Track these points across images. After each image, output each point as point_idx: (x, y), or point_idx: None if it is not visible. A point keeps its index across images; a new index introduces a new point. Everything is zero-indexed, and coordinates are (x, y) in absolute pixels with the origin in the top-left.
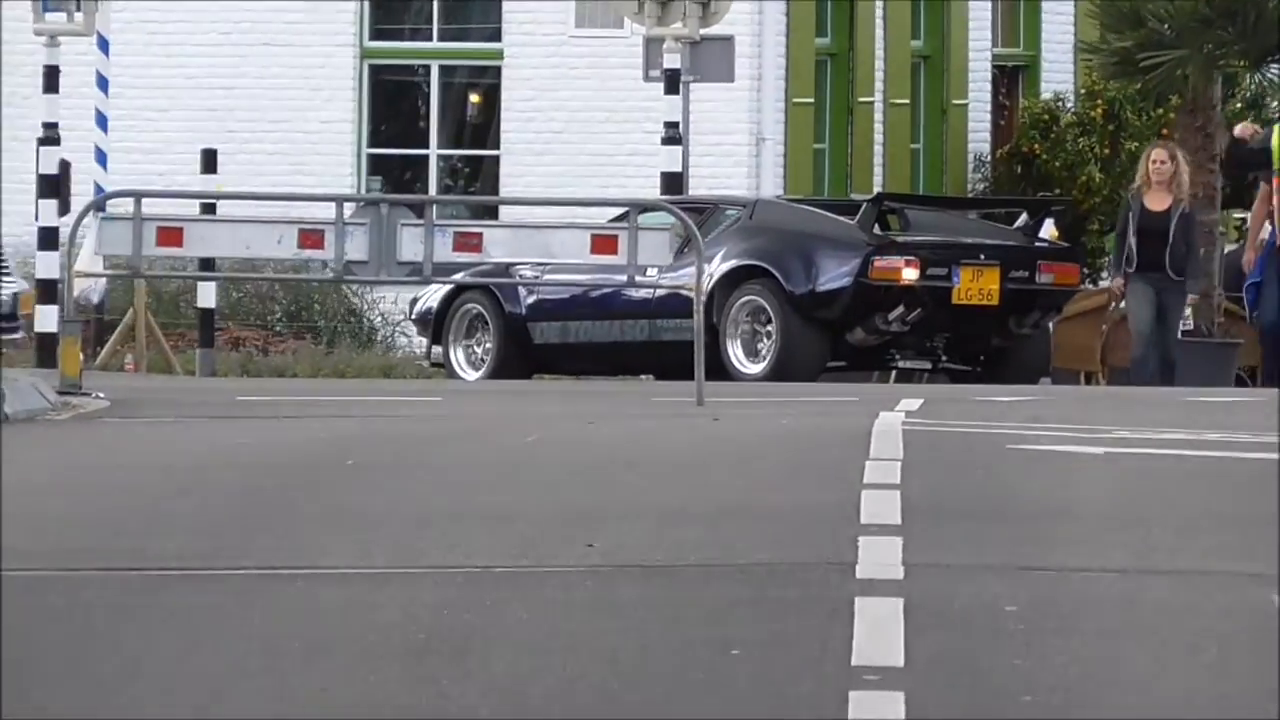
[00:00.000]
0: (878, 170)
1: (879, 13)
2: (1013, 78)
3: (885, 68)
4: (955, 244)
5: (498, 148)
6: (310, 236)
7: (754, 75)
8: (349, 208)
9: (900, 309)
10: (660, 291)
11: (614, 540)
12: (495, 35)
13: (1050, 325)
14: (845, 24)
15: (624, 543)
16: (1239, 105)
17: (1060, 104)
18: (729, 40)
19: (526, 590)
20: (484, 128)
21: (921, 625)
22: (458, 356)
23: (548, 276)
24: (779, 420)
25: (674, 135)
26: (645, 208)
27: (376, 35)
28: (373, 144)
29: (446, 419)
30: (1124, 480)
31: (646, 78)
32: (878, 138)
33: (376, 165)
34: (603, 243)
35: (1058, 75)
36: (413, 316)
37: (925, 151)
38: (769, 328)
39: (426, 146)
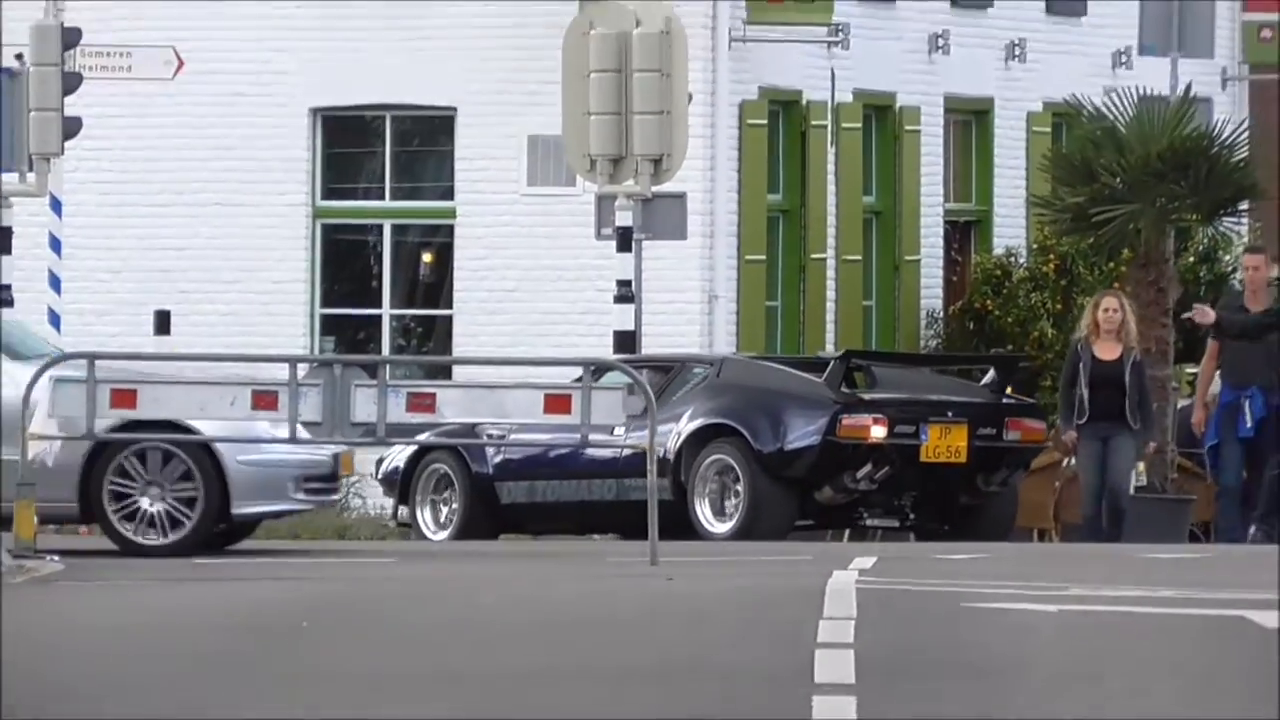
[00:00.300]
0: (830, 327)
1: (830, 169)
2: (965, 233)
3: (837, 224)
4: (923, 401)
5: (450, 307)
6: (264, 398)
7: (706, 233)
8: (302, 369)
9: (869, 467)
10: (627, 450)
11: (569, 698)
12: (448, 194)
13: (1017, 483)
14: (797, 181)
15: (579, 701)
16: (1191, 259)
17: (1013, 259)
18: (681, 198)
19: None
20: (437, 286)
21: None
22: (424, 516)
23: (514, 436)
24: (733, 580)
25: (626, 293)
26: (601, 367)
27: (329, 194)
28: (325, 304)
29: (400, 580)
30: (1078, 636)
31: (599, 236)
32: (830, 294)
33: (329, 325)
34: (556, 402)
35: (1010, 230)
36: (379, 476)
37: (878, 308)
38: (737, 486)
39: (379, 306)
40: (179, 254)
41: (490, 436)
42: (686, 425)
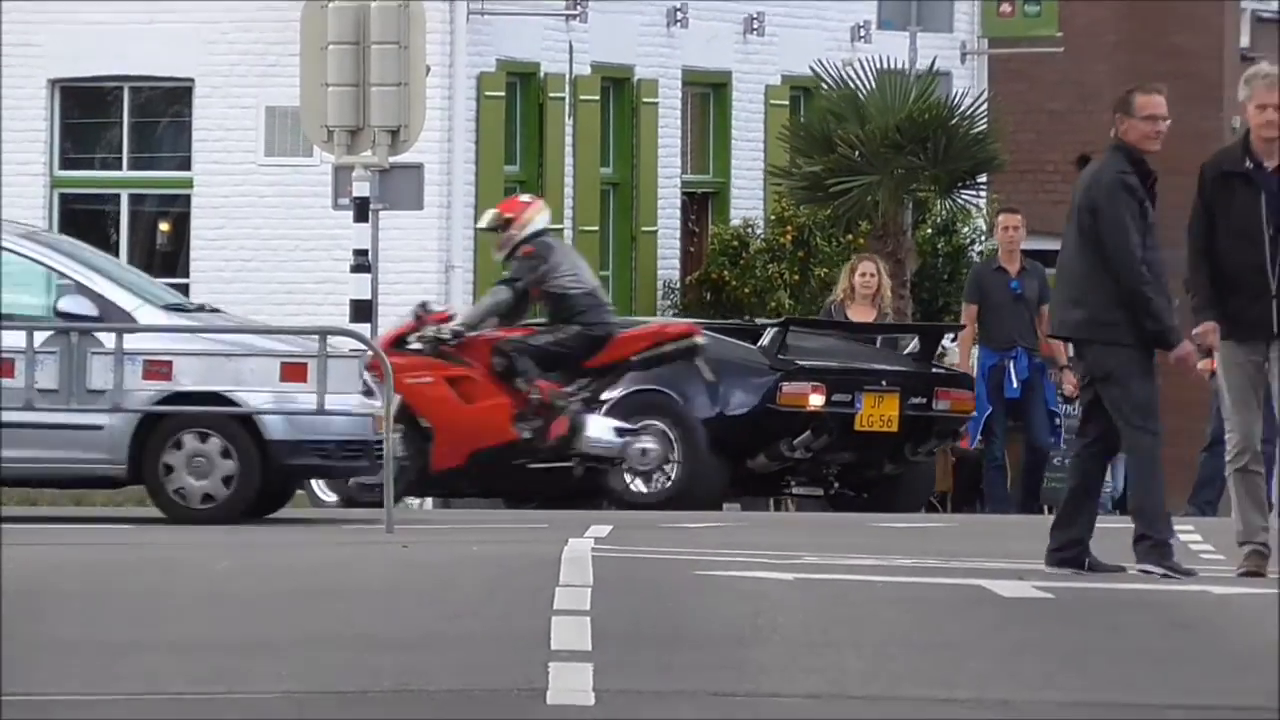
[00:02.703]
0: None
1: (568, 140)
2: (703, 204)
3: (574, 195)
4: (858, 370)
5: (188, 275)
6: None
7: (443, 204)
8: (39, 336)
9: (807, 435)
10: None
11: (306, 668)
12: (185, 164)
13: (937, 452)
14: (534, 152)
15: (316, 669)
16: (929, 231)
17: (750, 230)
18: (418, 169)
19: (221, 718)
20: (174, 255)
21: None
22: (318, 481)
23: None
24: (469, 547)
25: (363, 263)
26: (333, 334)
27: (66, 164)
28: None
29: (134, 547)
30: (815, 606)
31: (336, 206)
32: None
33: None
34: (292, 370)
35: (747, 202)
36: None
37: (615, 278)
38: (670, 455)
39: None
40: None
41: None
42: (618, 390)
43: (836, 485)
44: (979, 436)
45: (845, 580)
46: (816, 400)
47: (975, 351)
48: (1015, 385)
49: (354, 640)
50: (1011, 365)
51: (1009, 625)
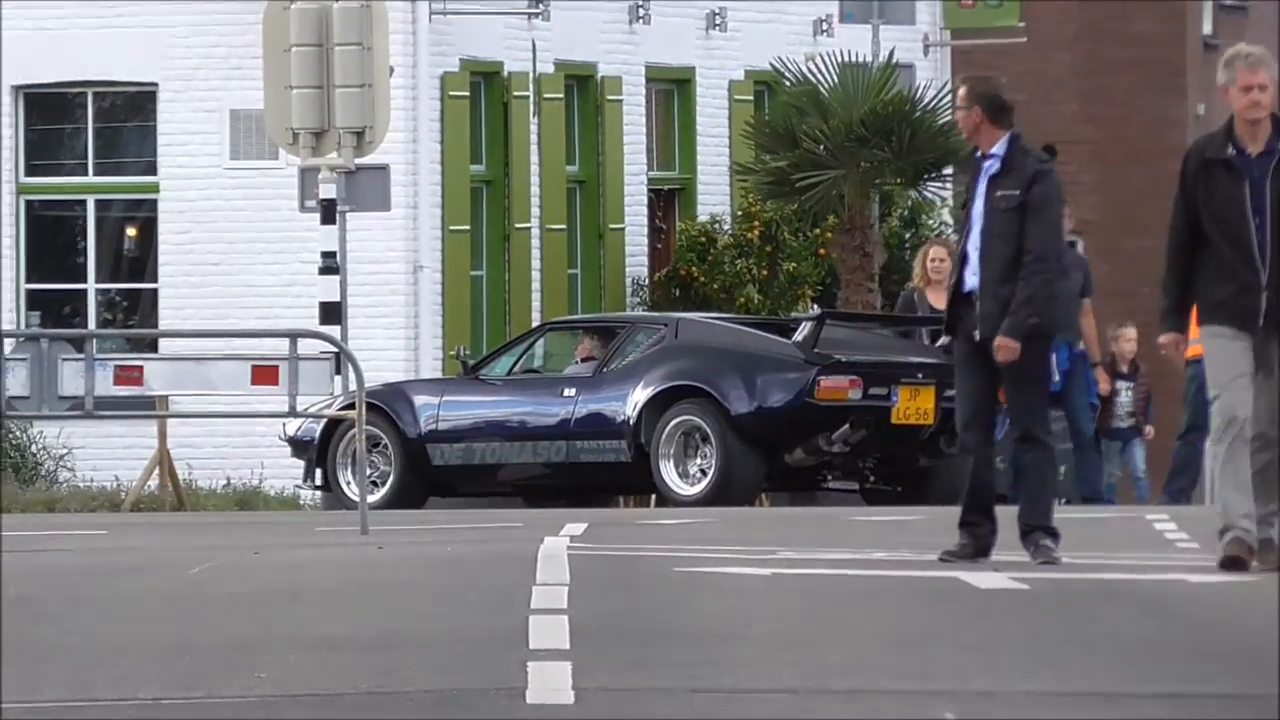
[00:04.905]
0: (536, 295)
1: (533, 139)
2: (669, 200)
3: (541, 194)
4: (895, 363)
5: (156, 280)
6: None
7: (410, 204)
8: (9, 343)
9: (845, 429)
10: (582, 411)
11: (283, 670)
12: (151, 169)
13: None
14: (500, 151)
15: (293, 672)
16: (896, 223)
17: (717, 226)
18: (384, 169)
19: None
20: (141, 260)
21: None
22: (344, 479)
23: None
24: (444, 547)
25: (331, 265)
26: (304, 336)
27: (31, 170)
28: (31, 279)
29: (108, 551)
30: (792, 601)
31: (303, 208)
32: (535, 263)
33: (35, 300)
34: (263, 373)
35: (713, 198)
36: (287, 437)
37: (583, 276)
38: (705, 449)
39: (85, 281)
40: None
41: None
42: (648, 387)
43: (871, 479)
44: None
45: (822, 575)
46: (854, 394)
47: None
48: (1057, 378)
49: (330, 642)
50: (1054, 358)
51: (986, 617)
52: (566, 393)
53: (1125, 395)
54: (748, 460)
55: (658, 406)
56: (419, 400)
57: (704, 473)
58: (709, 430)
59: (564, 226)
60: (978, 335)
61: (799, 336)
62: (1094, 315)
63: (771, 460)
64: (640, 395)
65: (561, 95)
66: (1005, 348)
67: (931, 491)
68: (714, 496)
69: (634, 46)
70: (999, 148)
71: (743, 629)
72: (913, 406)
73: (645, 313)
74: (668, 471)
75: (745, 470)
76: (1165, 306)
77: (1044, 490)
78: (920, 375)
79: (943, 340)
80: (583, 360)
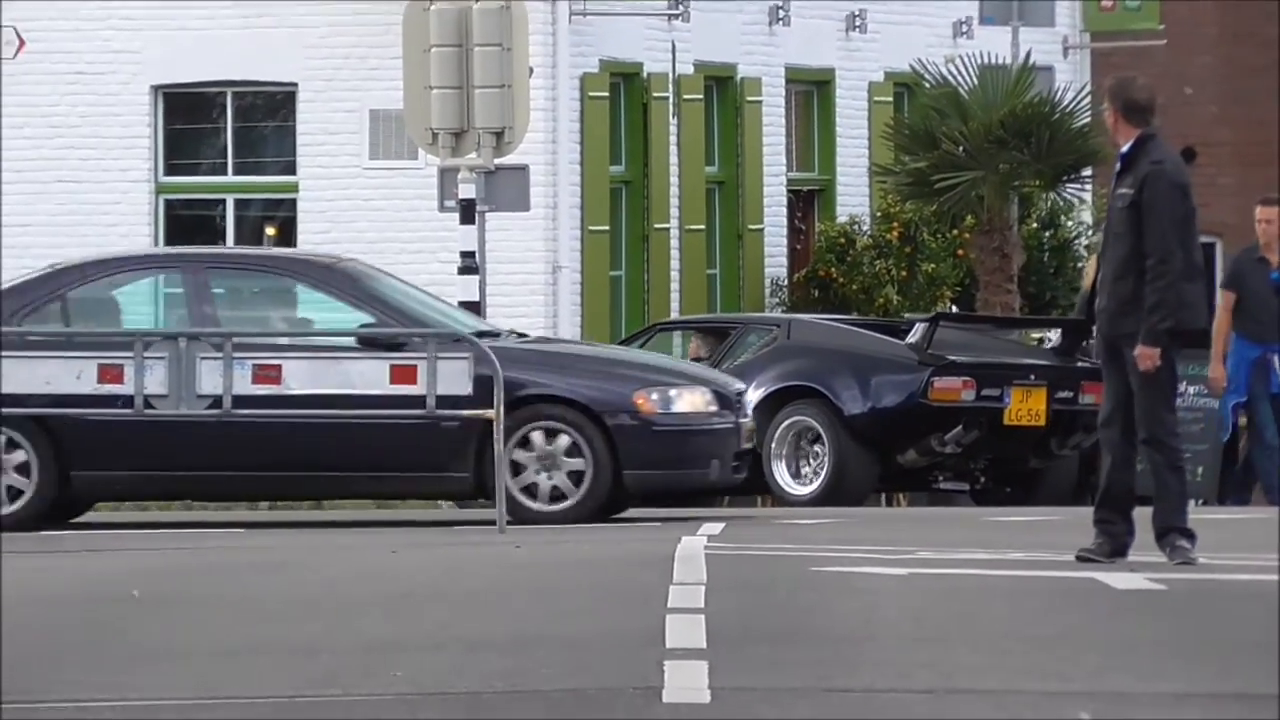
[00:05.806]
0: (675, 296)
1: (672, 140)
2: (808, 201)
3: (680, 194)
4: (1007, 364)
5: None
6: (110, 371)
7: (549, 204)
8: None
9: (958, 430)
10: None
11: (419, 669)
12: (290, 168)
13: (1084, 447)
14: (639, 152)
15: (429, 672)
16: (1035, 225)
17: (856, 227)
18: (523, 170)
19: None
20: None
21: None
22: (780, 471)
23: None
24: (581, 547)
25: (470, 265)
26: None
27: (170, 170)
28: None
29: (244, 551)
30: (928, 600)
31: (442, 208)
32: (674, 264)
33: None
34: (402, 372)
35: (853, 199)
36: None
37: (722, 277)
38: (815, 448)
39: None
40: (22, 230)
41: None
42: (760, 387)
43: (983, 480)
44: (1232, 425)
45: (957, 574)
46: (967, 395)
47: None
48: (1278, 383)
49: (467, 641)
50: (1276, 360)
51: (1122, 617)
52: None
53: None
54: (860, 461)
55: (770, 407)
56: None
57: (816, 473)
58: (821, 431)
59: (703, 227)
60: (1093, 331)
61: (913, 338)
62: None
63: (884, 461)
64: (753, 395)
65: (701, 96)
66: (1145, 356)
67: (1042, 493)
68: (826, 497)
69: (774, 48)
70: (1126, 146)
71: (878, 629)
72: (1025, 408)
73: (756, 313)
74: (779, 471)
75: (857, 471)
76: None
77: (1173, 492)
78: (1033, 377)
79: (1053, 342)
80: (692, 360)
